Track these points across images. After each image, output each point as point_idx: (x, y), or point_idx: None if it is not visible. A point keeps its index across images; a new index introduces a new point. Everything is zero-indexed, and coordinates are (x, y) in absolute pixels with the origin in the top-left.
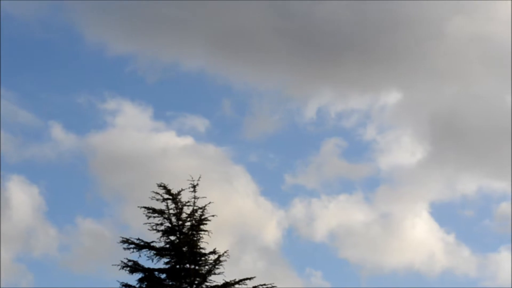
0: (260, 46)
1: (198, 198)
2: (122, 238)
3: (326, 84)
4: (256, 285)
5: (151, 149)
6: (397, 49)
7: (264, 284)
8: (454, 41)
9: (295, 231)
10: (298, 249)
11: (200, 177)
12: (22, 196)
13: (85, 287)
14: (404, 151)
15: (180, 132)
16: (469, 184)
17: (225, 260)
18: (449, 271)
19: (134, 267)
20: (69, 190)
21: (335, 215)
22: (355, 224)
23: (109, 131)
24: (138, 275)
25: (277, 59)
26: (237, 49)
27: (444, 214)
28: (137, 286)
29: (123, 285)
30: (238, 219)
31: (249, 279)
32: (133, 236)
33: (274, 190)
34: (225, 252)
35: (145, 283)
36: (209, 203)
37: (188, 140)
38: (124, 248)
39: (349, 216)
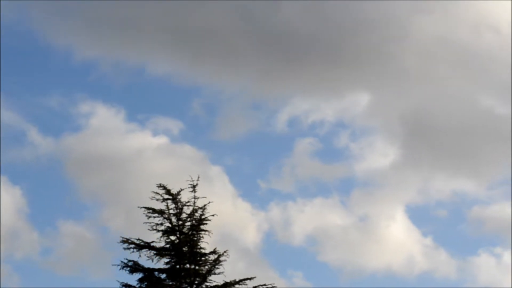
0: (225, 47)
1: (198, 198)
2: (122, 238)
3: (294, 86)
4: (256, 285)
5: (127, 151)
6: (362, 51)
7: (264, 284)
8: (418, 41)
9: (273, 234)
10: (277, 252)
11: (199, 177)
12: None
13: (84, 287)
14: (376, 153)
15: (155, 133)
16: (442, 186)
17: (225, 260)
18: (429, 274)
19: (134, 267)
20: (48, 192)
21: (312, 219)
22: (332, 227)
23: (84, 134)
24: (138, 275)
25: (243, 60)
26: (203, 51)
27: (420, 217)
28: (137, 286)
29: (123, 285)
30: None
31: (249, 279)
32: (133, 236)
33: (251, 192)
34: (225, 252)
35: (145, 283)
36: (209, 203)
37: (163, 141)
38: (124, 248)
39: (326, 219)
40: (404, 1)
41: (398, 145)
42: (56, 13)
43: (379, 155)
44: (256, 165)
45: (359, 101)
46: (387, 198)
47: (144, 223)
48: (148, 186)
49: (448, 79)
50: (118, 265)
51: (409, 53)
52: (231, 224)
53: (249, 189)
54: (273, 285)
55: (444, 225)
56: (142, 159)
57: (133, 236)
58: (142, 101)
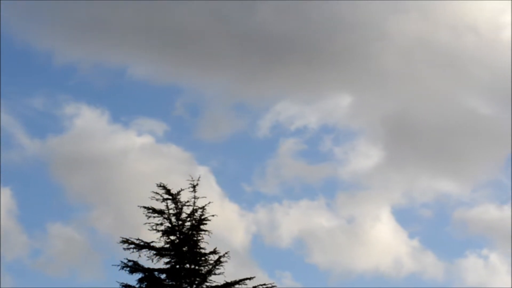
0: (205, 49)
1: (198, 198)
2: (122, 238)
3: (275, 87)
4: (256, 285)
5: (113, 151)
6: (341, 52)
7: (264, 284)
8: (398, 41)
9: (261, 237)
10: (265, 254)
11: (199, 177)
12: None
13: (83, 287)
14: (360, 155)
15: (140, 134)
16: (427, 187)
17: (226, 261)
18: (416, 275)
19: (134, 267)
20: (36, 194)
21: (299, 221)
22: (319, 229)
23: (69, 135)
24: (138, 275)
25: (223, 62)
26: (183, 52)
27: (406, 218)
28: (137, 286)
29: (123, 285)
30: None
31: (249, 279)
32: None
33: (238, 193)
34: (226, 252)
35: (145, 283)
36: (209, 203)
37: (148, 142)
38: (124, 248)
39: (313, 221)
40: (381, 1)
41: (381, 146)
42: (34, 15)
43: (363, 157)
44: (241, 166)
45: (341, 103)
46: (373, 199)
47: (144, 223)
48: (135, 186)
49: (429, 79)
50: (118, 265)
51: (388, 53)
52: (219, 225)
53: (236, 190)
54: (273, 285)
55: (430, 226)
56: (128, 160)
57: (122, 235)
58: (125, 102)
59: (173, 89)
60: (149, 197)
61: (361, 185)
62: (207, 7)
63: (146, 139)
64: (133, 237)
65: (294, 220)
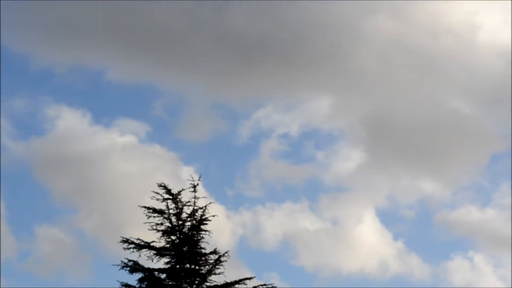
0: (182, 50)
1: (198, 198)
2: (122, 238)
3: (253, 88)
4: (256, 285)
5: (96, 152)
6: (318, 53)
7: (264, 284)
8: (374, 42)
9: (246, 239)
10: (252, 255)
11: (200, 177)
12: None
13: (83, 287)
14: (342, 157)
15: (123, 134)
16: (409, 188)
17: (226, 261)
18: (402, 277)
19: (134, 267)
20: (22, 196)
21: (283, 224)
22: (304, 232)
23: (51, 137)
24: (138, 275)
25: (202, 62)
26: (160, 53)
27: (390, 220)
28: (137, 286)
29: (123, 285)
30: None
31: (249, 279)
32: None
33: (221, 195)
34: (226, 252)
35: (145, 283)
36: (210, 203)
37: (132, 142)
38: (124, 248)
39: (297, 224)
40: (356, 1)
41: (363, 147)
42: (10, 18)
43: (344, 159)
44: (223, 168)
45: (320, 105)
46: (356, 201)
47: (144, 223)
48: (121, 186)
49: (407, 79)
50: (118, 265)
51: (365, 55)
52: (206, 227)
53: (220, 192)
54: (273, 285)
55: (413, 228)
56: (112, 160)
57: (109, 236)
58: (105, 104)
59: (151, 90)
60: (149, 197)
61: (344, 187)
62: (182, 8)
63: (129, 139)
64: (125, 236)
65: (278, 223)
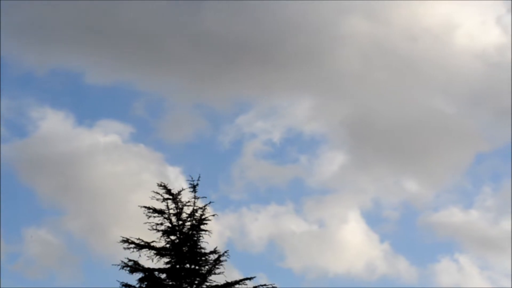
0: (159, 50)
1: (198, 198)
2: (122, 237)
3: (232, 90)
4: (256, 285)
5: (81, 153)
6: (296, 54)
7: (264, 285)
8: (352, 43)
9: (232, 241)
10: (239, 258)
11: (199, 177)
12: None
13: (81, 287)
14: (325, 159)
15: (106, 135)
16: (392, 189)
17: (225, 260)
18: (390, 279)
19: (134, 267)
20: (7, 198)
21: (269, 226)
22: (290, 235)
23: (35, 138)
24: (138, 275)
25: (180, 63)
26: (138, 54)
27: (375, 221)
28: (137, 286)
29: (123, 285)
30: None
31: (249, 279)
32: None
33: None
34: (226, 252)
35: (145, 283)
36: (210, 203)
37: (116, 142)
38: (124, 248)
39: (283, 227)
40: (333, 1)
41: (346, 149)
42: None
43: (327, 161)
44: (206, 170)
45: (300, 107)
46: (341, 203)
47: (144, 223)
48: (106, 186)
49: (386, 80)
50: (118, 265)
51: (344, 55)
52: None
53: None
54: (273, 285)
55: (398, 230)
56: (97, 160)
57: (97, 235)
58: (86, 105)
59: (131, 91)
60: (149, 197)
61: (329, 189)
62: (160, 8)
63: (113, 140)
64: (125, 236)
65: (263, 226)
